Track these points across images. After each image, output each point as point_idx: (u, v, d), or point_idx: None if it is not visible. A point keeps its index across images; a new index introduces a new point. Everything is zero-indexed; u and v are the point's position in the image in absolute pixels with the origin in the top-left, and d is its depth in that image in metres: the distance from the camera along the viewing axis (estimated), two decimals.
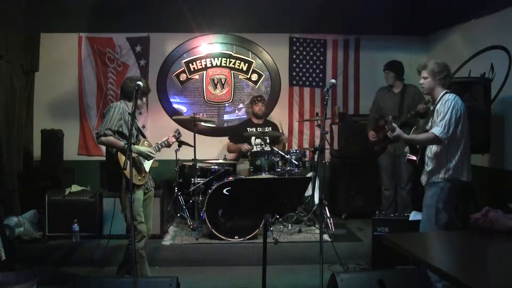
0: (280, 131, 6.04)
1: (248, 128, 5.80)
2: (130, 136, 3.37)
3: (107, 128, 3.63)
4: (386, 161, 5.32)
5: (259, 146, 5.70)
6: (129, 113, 3.76)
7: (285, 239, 4.87)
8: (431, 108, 3.69)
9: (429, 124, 3.60)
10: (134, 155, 3.71)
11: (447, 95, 3.49)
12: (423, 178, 3.64)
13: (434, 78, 3.52)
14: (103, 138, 3.64)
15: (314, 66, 6.52)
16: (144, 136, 4.03)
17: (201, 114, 6.25)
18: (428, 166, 3.56)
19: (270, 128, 5.79)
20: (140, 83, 3.53)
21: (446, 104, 3.42)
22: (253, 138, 5.77)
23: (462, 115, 3.45)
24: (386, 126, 3.60)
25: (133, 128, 3.69)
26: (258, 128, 5.79)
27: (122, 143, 3.65)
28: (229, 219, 4.71)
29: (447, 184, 3.47)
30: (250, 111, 6.15)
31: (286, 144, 5.95)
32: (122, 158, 3.69)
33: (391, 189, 5.34)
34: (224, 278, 4.26)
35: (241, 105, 6.51)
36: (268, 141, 5.41)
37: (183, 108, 6.45)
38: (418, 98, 4.99)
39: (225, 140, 6.25)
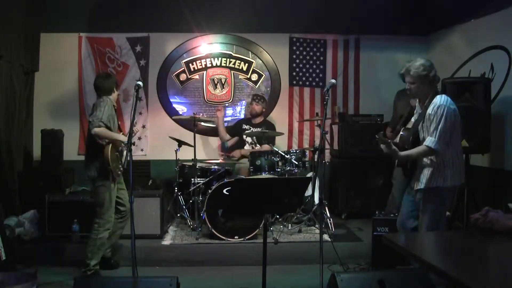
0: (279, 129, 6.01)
1: (243, 124, 5.88)
2: (130, 136, 3.40)
3: (100, 120, 3.73)
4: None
5: (250, 145, 5.83)
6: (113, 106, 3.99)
7: (285, 239, 4.87)
8: (415, 107, 3.53)
9: (421, 134, 3.36)
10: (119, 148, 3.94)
11: (438, 98, 3.25)
12: (418, 182, 3.38)
13: (422, 82, 3.27)
14: (96, 129, 3.72)
15: (314, 66, 6.52)
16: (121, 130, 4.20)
17: (201, 114, 6.25)
18: (425, 169, 3.33)
19: (264, 128, 5.78)
20: (140, 83, 3.64)
21: (439, 111, 3.19)
22: (244, 136, 5.85)
23: (455, 121, 3.24)
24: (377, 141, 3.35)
25: (117, 122, 3.96)
26: (251, 127, 5.85)
27: (115, 134, 3.82)
28: (229, 219, 4.71)
29: (446, 189, 3.30)
30: (249, 109, 6.16)
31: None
32: (109, 152, 3.79)
33: None
34: (224, 278, 4.26)
35: (241, 105, 6.51)
36: (256, 141, 5.66)
37: (183, 108, 6.45)
38: None
39: None
